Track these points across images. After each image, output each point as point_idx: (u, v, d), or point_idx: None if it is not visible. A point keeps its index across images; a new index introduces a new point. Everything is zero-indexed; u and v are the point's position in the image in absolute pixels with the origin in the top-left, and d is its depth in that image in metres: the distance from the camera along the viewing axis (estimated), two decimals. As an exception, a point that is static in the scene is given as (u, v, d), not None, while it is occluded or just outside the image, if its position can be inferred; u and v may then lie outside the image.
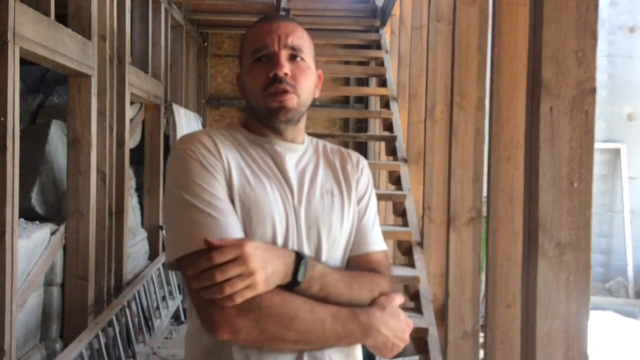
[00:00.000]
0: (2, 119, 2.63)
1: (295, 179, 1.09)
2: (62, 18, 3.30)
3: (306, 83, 1.09)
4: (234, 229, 0.97)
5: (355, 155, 1.21)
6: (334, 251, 1.08)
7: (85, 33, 3.59)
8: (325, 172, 1.14)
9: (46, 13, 3.07)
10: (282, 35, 1.07)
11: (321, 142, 1.21)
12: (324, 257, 1.06)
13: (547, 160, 1.34)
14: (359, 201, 1.15)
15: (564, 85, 1.33)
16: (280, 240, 1.03)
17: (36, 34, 2.88)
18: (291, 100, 1.06)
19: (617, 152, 6.81)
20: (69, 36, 3.31)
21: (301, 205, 1.06)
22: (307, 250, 1.05)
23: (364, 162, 1.20)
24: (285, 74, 1.05)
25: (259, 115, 1.10)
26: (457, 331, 2.36)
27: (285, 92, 1.05)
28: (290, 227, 1.04)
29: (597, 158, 6.68)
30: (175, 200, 1.00)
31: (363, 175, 1.18)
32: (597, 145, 6.61)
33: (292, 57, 1.08)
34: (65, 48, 3.23)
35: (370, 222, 1.15)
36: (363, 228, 1.13)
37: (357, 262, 1.10)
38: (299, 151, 1.13)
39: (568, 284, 1.33)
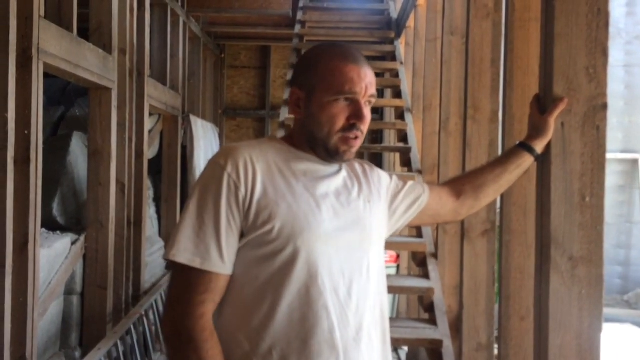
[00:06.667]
0: (26, 132, 2.70)
1: (341, 189, 1.18)
2: (84, 32, 3.39)
3: (367, 128, 1.18)
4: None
5: (365, 162, 1.33)
6: (378, 247, 1.21)
7: (106, 47, 3.67)
8: (358, 182, 1.23)
9: (69, 29, 3.15)
10: (369, 86, 1.14)
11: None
12: (371, 257, 1.16)
13: (559, 175, 1.36)
14: (395, 192, 1.31)
15: (575, 101, 1.35)
16: (333, 244, 1.11)
17: (59, 49, 2.96)
18: (358, 146, 1.16)
19: (634, 162, 6.73)
20: (91, 51, 3.39)
21: (346, 211, 1.15)
22: (354, 252, 1.14)
23: (372, 165, 1.33)
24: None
25: (317, 145, 1.16)
26: (471, 343, 2.36)
27: (357, 138, 1.14)
28: (341, 233, 1.13)
29: (615, 168, 6.61)
30: (189, 211, 1.10)
31: (376, 172, 1.31)
32: (615, 155, 6.54)
33: (365, 104, 1.15)
34: (87, 62, 3.31)
35: (410, 184, 1.35)
36: (415, 189, 1.34)
37: (439, 192, 1.37)
38: (336, 167, 1.21)
39: (580, 297, 1.34)
